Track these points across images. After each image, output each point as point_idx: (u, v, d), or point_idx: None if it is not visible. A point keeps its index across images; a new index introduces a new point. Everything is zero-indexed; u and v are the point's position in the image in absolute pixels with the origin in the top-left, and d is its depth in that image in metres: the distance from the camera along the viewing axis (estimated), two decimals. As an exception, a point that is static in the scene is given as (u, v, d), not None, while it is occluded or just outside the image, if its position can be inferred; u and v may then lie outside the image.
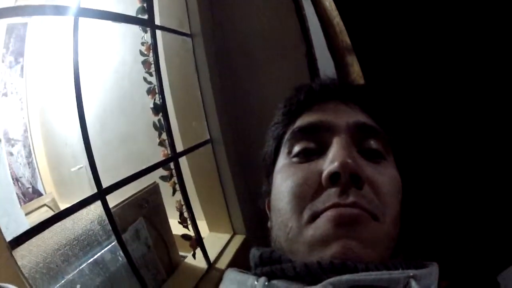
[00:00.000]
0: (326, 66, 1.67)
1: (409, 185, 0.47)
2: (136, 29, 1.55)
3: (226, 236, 1.83)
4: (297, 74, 1.69)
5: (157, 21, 1.62)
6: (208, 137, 1.83)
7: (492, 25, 1.21)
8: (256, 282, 0.41)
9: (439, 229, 1.30)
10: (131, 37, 1.93)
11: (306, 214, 0.41)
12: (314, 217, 0.40)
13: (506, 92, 1.17)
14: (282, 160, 0.49)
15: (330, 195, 0.40)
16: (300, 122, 0.49)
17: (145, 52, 1.54)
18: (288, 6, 1.65)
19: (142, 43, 1.54)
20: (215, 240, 1.80)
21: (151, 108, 1.57)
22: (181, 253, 1.68)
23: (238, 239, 1.83)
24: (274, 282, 0.40)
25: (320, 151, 0.45)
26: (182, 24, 1.73)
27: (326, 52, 1.64)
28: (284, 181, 0.45)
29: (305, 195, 0.42)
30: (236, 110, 1.87)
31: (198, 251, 1.63)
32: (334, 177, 0.40)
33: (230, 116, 1.88)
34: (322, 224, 0.38)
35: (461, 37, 1.26)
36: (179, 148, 1.69)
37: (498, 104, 1.20)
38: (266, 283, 0.40)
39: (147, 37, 1.53)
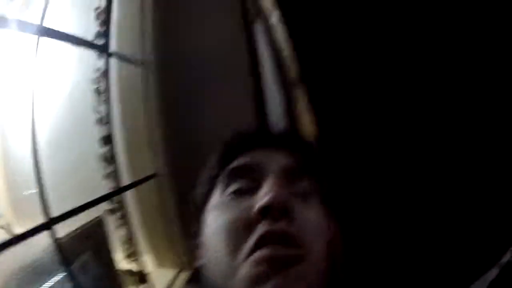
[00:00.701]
0: (274, 98, 1.81)
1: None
2: (93, 54, 1.64)
3: (172, 272, 1.89)
4: (244, 108, 1.85)
5: (114, 48, 1.74)
6: (155, 171, 1.93)
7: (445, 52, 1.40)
8: None
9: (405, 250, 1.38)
10: (87, 62, 2.00)
11: (240, 251, 0.43)
12: (248, 254, 0.42)
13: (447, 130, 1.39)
14: (215, 200, 0.52)
15: (261, 227, 0.43)
16: (234, 164, 0.53)
17: (97, 80, 1.65)
18: (240, 39, 1.83)
19: (96, 70, 1.65)
20: (161, 276, 1.85)
21: (99, 139, 1.67)
22: (127, 288, 1.74)
23: (185, 275, 1.89)
24: None
25: (252, 190, 0.48)
26: (137, 54, 1.86)
27: (275, 84, 1.79)
28: (217, 219, 0.48)
29: (239, 231, 0.44)
30: (183, 144, 1.96)
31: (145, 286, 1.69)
32: (264, 212, 0.43)
33: (178, 151, 1.97)
34: (255, 263, 0.41)
35: (410, 77, 1.43)
36: (127, 180, 1.78)
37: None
38: None
39: (102, 64, 1.65)
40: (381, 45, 1.49)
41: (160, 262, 1.94)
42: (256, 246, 0.42)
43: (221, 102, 1.90)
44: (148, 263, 1.82)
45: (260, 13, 1.86)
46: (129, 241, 1.68)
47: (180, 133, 1.97)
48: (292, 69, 1.66)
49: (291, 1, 1.68)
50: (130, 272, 1.64)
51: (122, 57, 1.78)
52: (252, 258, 0.41)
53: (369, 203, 1.44)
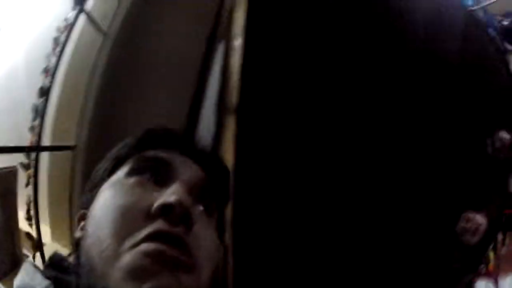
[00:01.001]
0: (208, 118, 1.90)
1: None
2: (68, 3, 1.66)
3: (66, 251, 1.87)
4: (178, 115, 1.92)
5: (88, 6, 1.73)
6: (75, 142, 1.93)
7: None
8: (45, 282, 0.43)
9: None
10: (62, 8, 1.87)
11: (128, 238, 0.43)
12: (136, 244, 0.42)
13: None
14: (118, 177, 0.54)
15: (157, 224, 0.43)
16: (150, 153, 0.56)
17: (61, 29, 1.65)
18: (200, 50, 1.92)
19: (64, 20, 1.65)
20: (55, 250, 1.82)
21: (38, 88, 1.65)
22: (24, 251, 1.66)
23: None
24: None
25: (158, 186, 0.50)
26: (106, 21, 1.86)
27: (213, 105, 1.91)
28: (114, 198, 0.49)
29: (133, 219, 0.45)
30: (110, 125, 1.95)
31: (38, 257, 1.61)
32: (166, 209, 0.43)
33: (102, 130, 1.94)
34: (141, 255, 0.41)
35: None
36: (47, 140, 1.76)
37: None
38: None
39: (72, 16, 1.66)
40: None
41: (57, 237, 1.92)
42: (148, 238, 0.42)
43: (158, 100, 1.95)
44: (46, 233, 1.81)
45: (228, 33, 1.95)
46: (31, 203, 1.67)
47: (110, 113, 1.99)
48: (232, 97, 1.66)
49: (260, 33, 1.78)
50: (28, 235, 1.62)
51: (90, 19, 1.79)
52: (140, 248, 0.41)
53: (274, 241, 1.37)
